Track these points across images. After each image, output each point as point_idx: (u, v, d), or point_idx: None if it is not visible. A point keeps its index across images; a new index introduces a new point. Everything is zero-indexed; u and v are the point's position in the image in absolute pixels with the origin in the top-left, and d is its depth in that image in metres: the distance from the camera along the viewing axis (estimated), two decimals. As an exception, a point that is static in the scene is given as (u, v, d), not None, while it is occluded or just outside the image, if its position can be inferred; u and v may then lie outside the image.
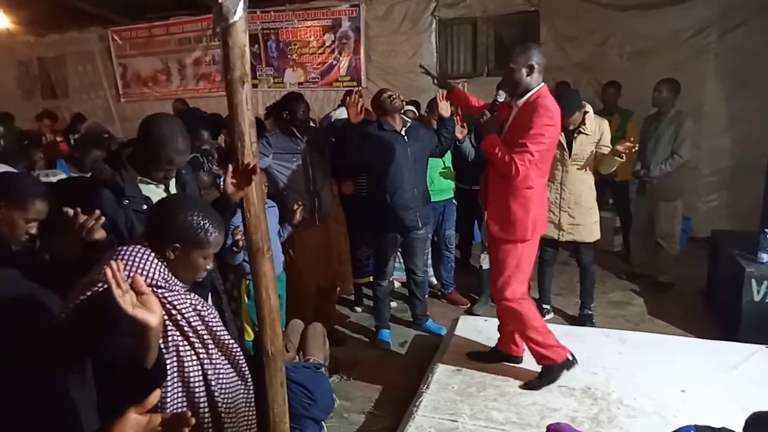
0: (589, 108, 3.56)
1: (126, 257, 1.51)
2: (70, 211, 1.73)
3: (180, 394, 1.59)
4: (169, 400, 1.56)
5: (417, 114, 4.41)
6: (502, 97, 2.79)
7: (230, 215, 2.01)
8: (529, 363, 2.87)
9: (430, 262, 4.44)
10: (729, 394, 2.60)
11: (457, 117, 3.68)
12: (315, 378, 2.82)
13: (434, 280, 4.60)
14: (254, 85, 6.70)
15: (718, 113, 5.36)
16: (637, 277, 4.62)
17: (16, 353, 1.48)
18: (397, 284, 4.60)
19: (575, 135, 3.53)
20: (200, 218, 1.59)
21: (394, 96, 3.48)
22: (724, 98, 5.33)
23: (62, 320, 1.46)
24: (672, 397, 2.63)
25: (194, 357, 1.62)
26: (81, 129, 6.51)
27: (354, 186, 4.10)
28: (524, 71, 2.53)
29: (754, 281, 3.36)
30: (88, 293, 1.47)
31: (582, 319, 3.84)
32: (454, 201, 4.37)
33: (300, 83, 7.10)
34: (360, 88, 6.59)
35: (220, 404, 1.66)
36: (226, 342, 1.72)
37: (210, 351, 1.66)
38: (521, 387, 2.80)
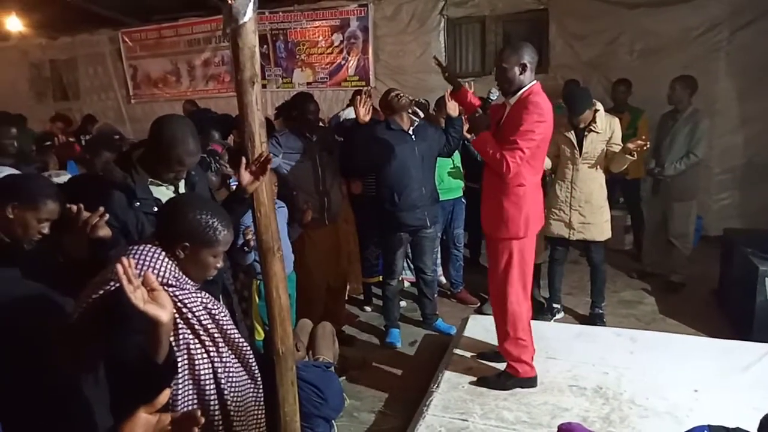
0: (599, 106, 3.54)
1: (137, 256, 1.53)
2: (74, 208, 1.74)
3: (191, 393, 1.60)
4: (180, 398, 1.57)
5: (424, 113, 4.40)
6: (494, 95, 2.80)
7: (246, 209, 2.02)
8: (538, 361, 2.85)
9: (439, 261, 4.43)
10: (742, 394, 2.58)
11: (465, 117, 3.67)
12: (325, 377, 2.82)
13: (443, 280, 4.59)
14: (263, 86, 6.71)
15: (730, 111, 5.31)
16: (649, 276, 4.59)
17: (31, 352, 1.50)
18: (406, 284, 4.60)
19: (586, 133, 3.51)
20: (209, 217, 1.60)
21: (402, 95, 3.49)
22: (736, 97, 5.28)
23: (75, 319, 1.48)
24: (684, 396, 2.62)
25: (205, 356, 1.62)
26: (92, 130, 6.57)
27: (363, 186, 4.10)
28: (516, 70, 2.52)
29: (767, 280, 3.31)
30: (101, 292, 1.48)
31: (593, 319, 3.82)
32: (463, 200, 4.36)
33: (309, 83, 7.12)
34: (369, 87, 6.59)
35: (229, 403, 1.67)
36: (237, 341, 1.72)
37: (220, 350, 1.67)
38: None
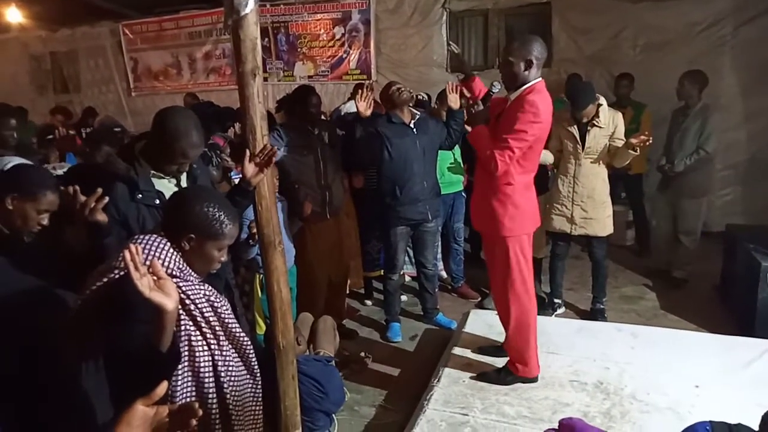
0: (603, 101, 3.52)
1: (142, 245, 1.52)
2: (70, 190, 1.73)
3: (190, 385, 1.60)
4: (179, 390, 1.56)
5: (426, 109, 4.38)
6: (496, 88, 2.75)
7: (249, 201, 2.01)
8: (539, 356, 2.84)
9: (440, 255, 4.42)
10: (744, 390, 2.57)
11: (466, 110, 3.65)
12: (326, 371, 2.82)
13: (444, 274, 4.58)
14: (264, 79, 6.70)
15: (734, 107, 5.28)
16: (651, 271, 4.58)
17: (32, 342, 1.50)
18: (407, 278, 4.59)
19: (589, 128, 3.49)
20: (216, 210, 1.59)
21: (403, 89, 3.47)
22: (740, 92, 5.25)
23: (78, 308, 1.47)
24: (686, 392, 2.61)
25: (205, 348, 1.62)
26: (93, 123, 6.56)
27: (364, 179, 4.09)
28: (522, 65, 2.46)
29: (770, 276, 3.31)
30: (104, 279, 1.48)
31: (594, 314, 3.81)
32: (463, 194, 4.35)
33: (310, 76, 7.09)
34: (370, 81, 6.56)
35: (227, 396, 1.66)
36: (238, 335, 1.72)
37: (221, 342, 1.66)
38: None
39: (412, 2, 6.42)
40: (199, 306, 1.60)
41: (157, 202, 1.94)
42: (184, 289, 1.57)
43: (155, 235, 1.58)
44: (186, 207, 1.59)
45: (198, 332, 1.61)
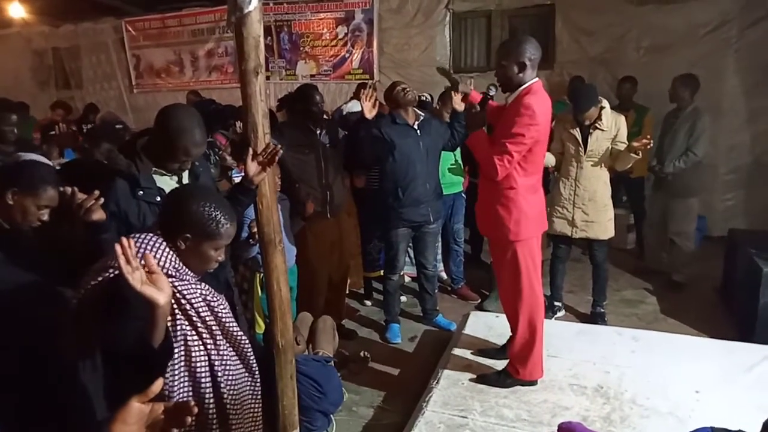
0: (606, 103, 3.51)
1: (138, 243, 1.51)
2: (68, 189, 1.72)
3: (186, 384, 1.59)
4: (175, 389, 1.55)
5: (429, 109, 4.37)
6: (492, 91, 2.74)
7: (251, 200, 2.00)
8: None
9: (440, 256, 4.41)
10: (745, 396, 2.56)
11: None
12: (325, 371, 2.81)
13: (444, 275, 4.57)
14: (266, 77, 6.69)
15: (738, 110, 5.27)
16: (651, 274, 4.57)
17: (29, 338, 1.49)
18: (407, 278, 4.58)
19: (591, 131, 3.47)
20: (212, 209, 1.58)
21: (408, 89, 3.45)
22: (744, 95, 5.23)
23: (75, 305, 1.47)
24: (686, 397, 2.60)
25: (202, 347, 1.61)
26: (94, 119, 6.56)
27: (366, 180, 4.08)
28: (515, 68, 2.43)
29: (771, 281, 3.30)
30: (99, 278, 1.47)
31: (594, 317, 3.80)
32: (463, 195, 4.34)
33: (312, 75, 7.08)
34: (372, 81, 6.55)
35: (225, 396, 1.65)
36: (236, 334, 1.71)
37: (218, 342, 1.65)
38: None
39: (415, 2, 6.41)
40: (195, 305, 1.59)
41: (158, 199, 1.93)
42: (180, 288, 1.56)
43: (151, 234, 1.57)
44: (182, 206, 1.58)
45: (194, 332, 1.59)
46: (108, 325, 1.40)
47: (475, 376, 2.85)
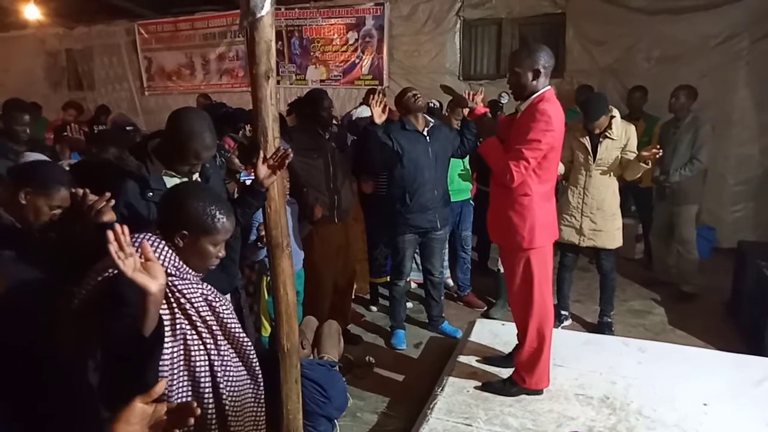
0: (616, 112, 3.50)
1: (137, 244, 1.52)
2: (80, 191, 1.74)
3: (185, 384, 1.58)
4: (174, 389, 1.54)
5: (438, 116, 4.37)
6: (505, 98, 2.73)
7: (261, 203, 2.01)
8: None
9: (447, 263, 4.41)
10: (753, 410, 2.54)
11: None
12: (329, 376, 2.81)
13: (451, 282, 4.56)
14: (277, 82, 6.72)
15: (748, 121, 5.24)
16: (659, 285, 4.54)
17: (35, 336, 1.50)
18: (413, 285, 4.58)
19: (601, 140, 3.47)
20: (207, 205, 1.58)
21: (419, 95, 3.46)
22: (755, 106, 5.21)
23: (77, 305, 1.47)
24: (694, 410, 2.57)
25: (201, 347, 1.60)
26: (105, 120, 6.61)
27: (374, 185, 4.08)
28: (530, 75, 2.42)
29: (781, 294, 3.27)
30: (98, 279, 1.47)
31: (601, 327, 3.78)
32: (471, 202, 4.34)
33: (322, 81, 7.12)
34: (382, 87, 6.57)
35: (225, 397, 1.64)
36: (238, 336, 1.70)
37: (219, 343, 1.64)
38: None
39: (426, 9, 6.44)
40: (195, 305, 1.58)
41: (168, 200, 1.94)
42: (180, 287, 1.56)
43: (149, 234, 1.58)
44: (177, 203, 1.59)
45: (194, 331, 1.58)
46: (105, 323, 1.40)
47: (480, 384, 2.84)
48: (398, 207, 3.48)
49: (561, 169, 3.62)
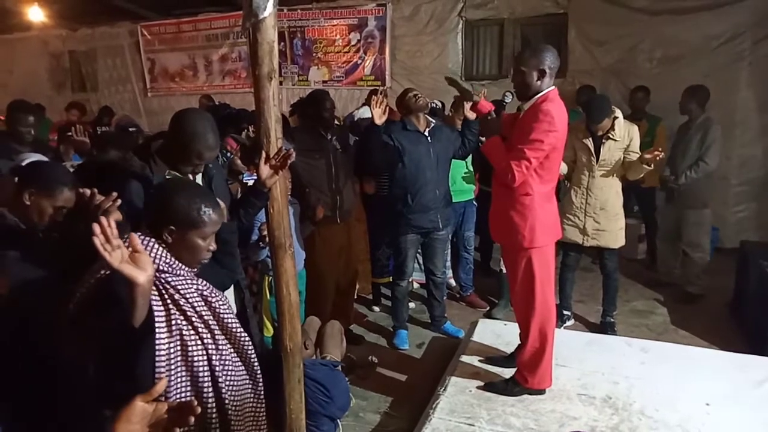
0: (619, 113, 3.50)
1: (127, 244, 1.52)
2: (87, 191, 1.75)
3: (184, 379, 1.56)
4: (173, 385, 1.53)
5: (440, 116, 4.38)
6: (509, 98, 2.73)
7: (264, 203, 2.02)
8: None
9: (449, 263, 4.41)
10: (756, 410, 2.53)
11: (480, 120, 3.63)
12: (332, 376, 2.81)
13: (453, 282, 4.57)
14: (279, 83, 6.73)
15: (750, 122, 5.24)
16: (662, 285, 4.53)
17: (35, 336, 1.51)
18: (415, 285, 4.58)
19: (603, 140, 3.47)
20: (192, 198, 1.59)
21: (420, 96, 3.47)
22: (757, 107, 5.21)
23: (75, 305, 1.48)
24: (696, 410, 2.57)
25: (199, 343, 1.58)
26: (108, 122, 6.62)
27: (376, 185, 4.09)
28: (535, 75, 2.43)
29: (784, 295, 3.27)
30: (92, 281, 1.48)
31: (604, 327, 3.77)
32: (474, 202, 4.34)
33: (324, 81, 7.13)
34: (384, 87, 6.58)
35: (224, 392, 1.63)
36: (236, 333, 1.69)
37: (216, 337, 1.63)
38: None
39: (428, 10, 6.44)
40: (191, 300, 1.58)
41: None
42: (173, 284, 1.56)
43: (139, 233, 1.58)
44: (162, 200, 1.60)
45: (190, 326, 1.57)
46: (104, 325, 1.41)
47: (482, 384, 2.84)
48: (400, 207, 3.49)
49: (564, 168, 3.62)
